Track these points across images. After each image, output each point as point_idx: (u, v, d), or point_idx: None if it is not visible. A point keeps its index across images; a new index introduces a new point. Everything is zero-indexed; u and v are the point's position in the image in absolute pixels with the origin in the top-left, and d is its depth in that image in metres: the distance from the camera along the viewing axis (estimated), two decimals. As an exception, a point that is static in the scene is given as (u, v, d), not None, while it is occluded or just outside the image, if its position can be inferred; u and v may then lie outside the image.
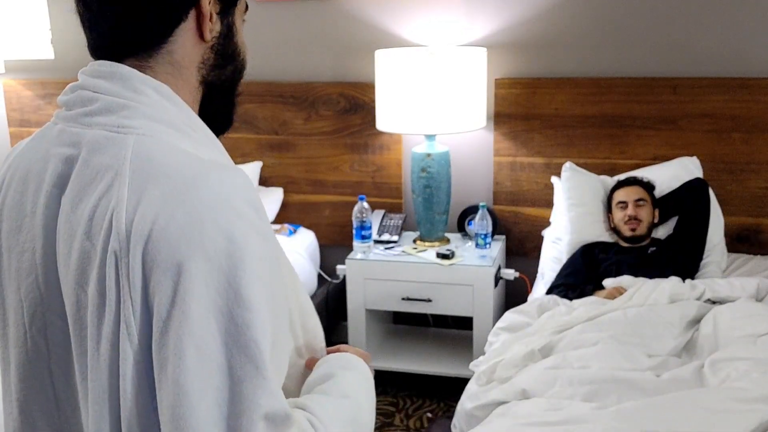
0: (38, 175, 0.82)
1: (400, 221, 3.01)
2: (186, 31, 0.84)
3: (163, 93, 0.82)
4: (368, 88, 3.01)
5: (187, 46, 0.85)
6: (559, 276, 2.64)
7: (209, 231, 0.72)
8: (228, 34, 0.89)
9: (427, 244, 2.93)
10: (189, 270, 0.71)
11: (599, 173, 2.85)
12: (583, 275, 2.58)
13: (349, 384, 0.92)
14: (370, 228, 2.89)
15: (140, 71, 0.82)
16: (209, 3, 0.84)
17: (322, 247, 3.24)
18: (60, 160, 0.80)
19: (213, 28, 0.86)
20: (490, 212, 2.87)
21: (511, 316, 2.41)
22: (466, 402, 2.06)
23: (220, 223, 0.72)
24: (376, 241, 2.95)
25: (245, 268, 0.72)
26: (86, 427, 0.80)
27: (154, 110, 0.81)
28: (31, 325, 0.82)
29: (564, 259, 2.72)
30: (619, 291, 2.39)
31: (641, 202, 2.64)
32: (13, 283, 0.83)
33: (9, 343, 0.85)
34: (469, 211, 3.00)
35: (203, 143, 0.84)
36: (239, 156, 3.22)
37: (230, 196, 0.75)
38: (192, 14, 0.84)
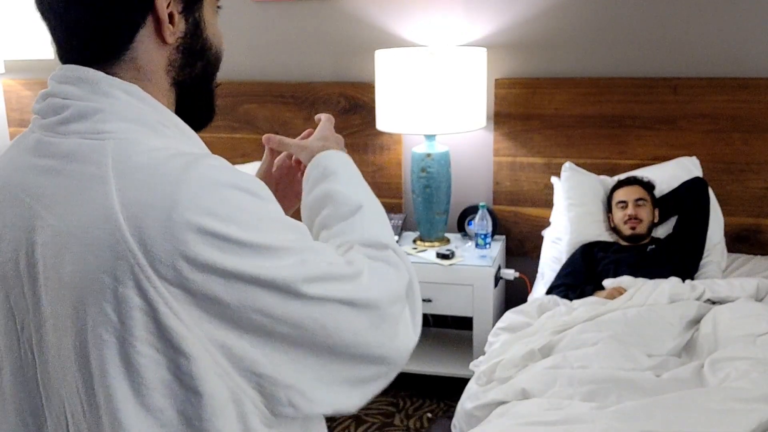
0: (17, 185, 0.81)
1: (400, 221, 3.01)
2: (146, 36, 0.82)
3: (132, 93, 0.81)
4: (368, 88, 3.01)
5: (150, 51, 0.83)
6: (559, 276, 2.64)
7: (223, 211, 0.74)
8: (195, 31, 0.86)
9: (427, 244, 2.93)
10: (228, 252, 0.73)
11: (599, 173, 2.85)
12: (582, 275, 2.58)
13: (346, 194, 0.97)
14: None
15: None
16: (168, 5, 0.81)
17: (322, 247, 3.24)
18: (38, 171, 0.79)
19: (176, 29, 0.83)
20: (490, 212, 2.87)
21: (511, 316, 2.41)
22: (466, 402, 2.06)
23: (229, 200, 0.75)
24: (376, 241, 2.94)
25: (262, 226, 0.77)
26: None
27: (127, 111, 0.80)
28: (21, 333, 0.82)
29: (564, 259, 2.72)
30: (619, 291, 2.40)
31: (641, 202, 2.64)
32: (0, 292, 0.83)
33: (1, 351, 0.85)
34: (469, 211, 3.00)
35: (178, 139, 0.83)
36: (239, 156, 3.22)
37: (223, 176, 0.76)
38: (150, 19, 0.81)
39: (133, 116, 0.80)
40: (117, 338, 0.73)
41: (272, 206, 0.80)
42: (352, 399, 0.84)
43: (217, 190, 0.74)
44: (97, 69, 0.81)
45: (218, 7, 0.91)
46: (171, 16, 0.82)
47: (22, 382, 0.83)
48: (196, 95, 0.90)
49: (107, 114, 0.79)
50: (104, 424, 0.76)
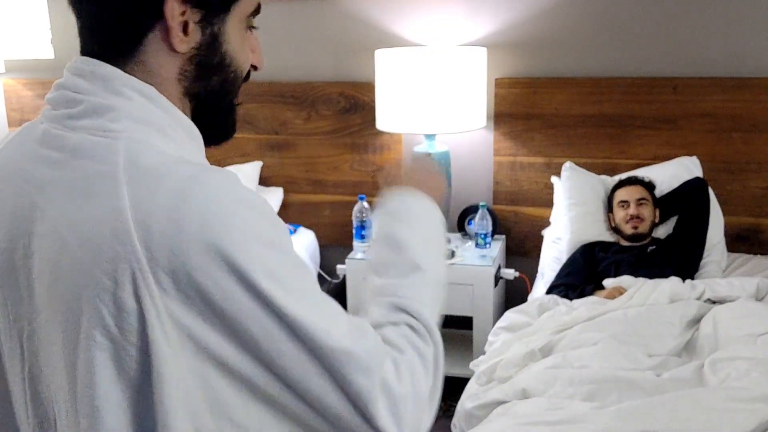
0: (18, 175, 0.80)
1: (400, 221, 3.01)
2: (155, 41, 0.80)
3: (146, 94, 0.80)
4: (368, 87, 3.01)
5: (160, 56, 0.81)
6: (559, 276, 2.64)
7: (230, 222, 0.72)
8: (212, 44, 0.83)
9: (427, 243, 2.93)
10: (231, 260, 0.72)
11: (599, 173, 2.85)
12: (583, 275, 2.58)
13: (414, 249, 0.94)
14: (370, 228, 2.89)
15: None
16: (183, 13, 0.79)
17: (322, 247, 3.24)
18: (42, 162, 0.78)
19: (189, 39, 0.81)
20: (490, 212, 2.87)
21: (511, 315, 2.41)
22: (466, 402, 2.06)
23: (237, 213, 0.73)
24: (376, 241, 2.94)
25: (271, 251, 0.76)
26: None
27: (138, 112, 0.79)
28: (13, 324, 0.81)
29: (564, 258, 2.72)
30: (619, 291, 2.39)
31: (643, 202, 2.64)
32: None
33: None
34: (469, 211, 3.00)
35: (185, 145, 0.82)
36: (239, 156, 3.22)
37: (233, 189, 0.75)
38: (160, 25, 0.79)
39: (143, 117, 0.79)
40: (111, 341, 0.72)
41: (282, 232, 0.79)
42: None
43: (234, 205, 0.74)
44: (114, 65, 0.80)
45: (252, 27, 0.88)
46: (186, 25, 0.80)
47: (9, 374, 0.83)
48: (213, 110, 0.88)
49: (119, 113, 0.78)
50: (84, 426, 0.74)
